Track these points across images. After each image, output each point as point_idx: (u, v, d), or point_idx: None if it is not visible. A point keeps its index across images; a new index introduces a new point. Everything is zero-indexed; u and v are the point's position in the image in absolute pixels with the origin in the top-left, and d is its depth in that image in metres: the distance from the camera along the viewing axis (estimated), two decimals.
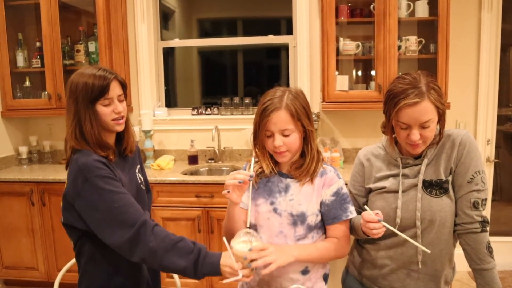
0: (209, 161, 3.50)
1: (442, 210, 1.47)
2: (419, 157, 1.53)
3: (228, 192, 1.44)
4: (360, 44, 3.01)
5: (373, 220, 1.41)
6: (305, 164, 1.54)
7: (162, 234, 1.42)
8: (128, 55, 3.56)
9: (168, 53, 4.09)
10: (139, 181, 1.68)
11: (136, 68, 3.59)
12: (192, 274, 1.40)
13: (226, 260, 1.38)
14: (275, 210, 1.56)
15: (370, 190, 1.62)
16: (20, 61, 3.51)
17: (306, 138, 1.53)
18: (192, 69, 4.12)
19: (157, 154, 3.58)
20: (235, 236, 1.42)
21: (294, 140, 1.49)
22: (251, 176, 1.43)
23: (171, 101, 3.95)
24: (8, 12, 3.40)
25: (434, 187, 1.49)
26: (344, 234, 1.57)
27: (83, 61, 3.40)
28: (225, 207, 1.61)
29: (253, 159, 1.52)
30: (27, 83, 3.54)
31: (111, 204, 1.41)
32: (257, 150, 1.58)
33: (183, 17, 4.32)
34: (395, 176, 1.56)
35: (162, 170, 3.25)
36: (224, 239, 1.42)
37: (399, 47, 2.94)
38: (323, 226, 1.59)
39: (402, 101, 1.39)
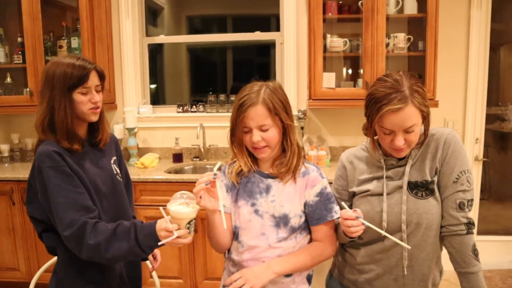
0: (194, 159, 3.45)
1: (429, 212, 1.42)
2: (403, 158, 1.48)
3: (200, 198, 1.36)
4: (348, 41, 2.96)
5: (351, 217, 1.36)
6: (286, 159, 1.51)
7: (101, 227, 1.41)
8: (112, 51, 3.49)
9: (157, 50, 4.02)
10: (115, 172, 1.66)
11: (120, 64, 3.51)
12: (140, 251, 1.38)
13: (161, 224, 1.36)
14: (256, 211, 1.51)
15: (354, 194, 1.57)
16: (1, 56, 3.42)
17: (285, 133, 1.50)
18: (181, 67, 4.06)
19: (142, 152, 3.52)
20: (171, 199, 1.38)
21: (273, 135, 1.45)
22: (214, 174, 1.36)
23: (159, 99, 3.89)
24: None
25: (419, 188, 1.44)
26: (329, 234, 1.54)
27: None
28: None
29: (219, 163, 1.45)
30: (9, 80, 3.45)
31: (56, 199, 1.41)
32: (234, 148, 1.54)
33: (172, 14, 4.26)
34: (379, 178, 1.50)
35: (146, 168, 3.19)
36: (160, 208, 1.38)
37: (387, 44, 2.90)
38: (307, 226, 1.55)
39: (385, 107, 1.33)
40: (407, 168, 1.46)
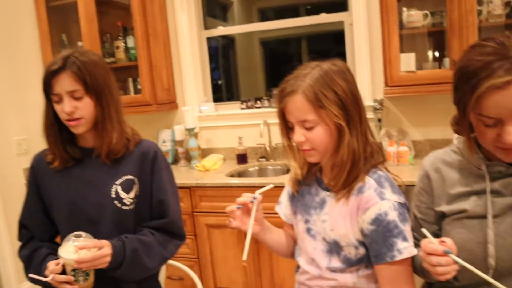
0: (260, 159, 3.15)
1: None
2: None
3: (230, 221, 1.15)
4: (429, 14, 2.48)
5: (437, 251, 0.94)
6: (336, 169, 1.16)
7: (25, 253, 1.41)
8: (170, 48, 3.31)
9: (229, 46, 3.86)
10: (112, 196, 1.37)
11: (178, 61, 3.32)
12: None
13: (50, 263, 1.25)
14: (308, 231, 1.22)
15: (443, 215, 1.13)
16: None
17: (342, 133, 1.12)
18: (255, 61, 3.86)
19: (205, 153, 3.30)
20: (65, 239, 1.27)
21: (319, 135, 1.10)
22: (254, 198, 1.13)
23: (234, 95, 3.73)
24: (50, 13, 3.28)
25: None
26: (395, 280, 1.09)
27: (123, 58, 3.20)
28: (274, 213, 1.43)
29: (270, 185, 1.23)
30: None
31: None
32: (286, 147, 1.25)
33: (243, 8, 4.09)
34: (479, 193, 1.06)
35: (208, 171, 2.96)
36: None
37: (480, 13, 2.37)
38: None
39: (485, 82, 0.89)
40: None
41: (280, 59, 3.96)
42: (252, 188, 2.53)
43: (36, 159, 1.46)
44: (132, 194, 1.39)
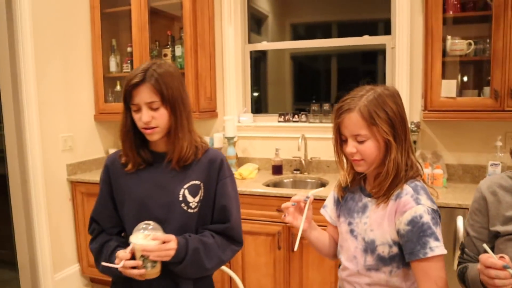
0: (294, 171, 3.26)
1: None
2: None
3: (285, 216, 1.36)
4: (473, 43, 2.57)
5: (496, 265, 1.04)
6: (379, 178, 1.31)
7: (95, 245, 1.52)
8: (215, 59, 3.46)
9: (260, 58, 3.96)
10: (180, 199, 1.46)
11: (222, 72, 3.47)
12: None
13: (119, 252, 1.34)
14: (351, 231, 1.39)
15: (497, 235, 1.23)
16: (113, 66, 3.58)
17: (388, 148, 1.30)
18: (284, 75, 3.96)
19: (241, 162, 3.43)
20: (135, 228, 1.37)
21: (369, 148, 1.27)
22: (307, 197, 1.33)
23: (262, 107, 3.82)
24: (103, 19, 3.48)
25: None
26: (428, 276, 1.21)
27: None
28: (317, 222, 1.52)
29: (321, 188, 1.40)
30: (118, 88, 3.60)
31: None
32: (337, 157, 1.41)
33: (276, 22, 4.21)
34: None
35: (244, 179, 3.07)
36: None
37: None
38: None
39: None
40: None
41: (308, 74, 4.04)
42: (289, 198, 2.65)
43: (110, 159, 1.56)
44: (197, 198, 1.48)
